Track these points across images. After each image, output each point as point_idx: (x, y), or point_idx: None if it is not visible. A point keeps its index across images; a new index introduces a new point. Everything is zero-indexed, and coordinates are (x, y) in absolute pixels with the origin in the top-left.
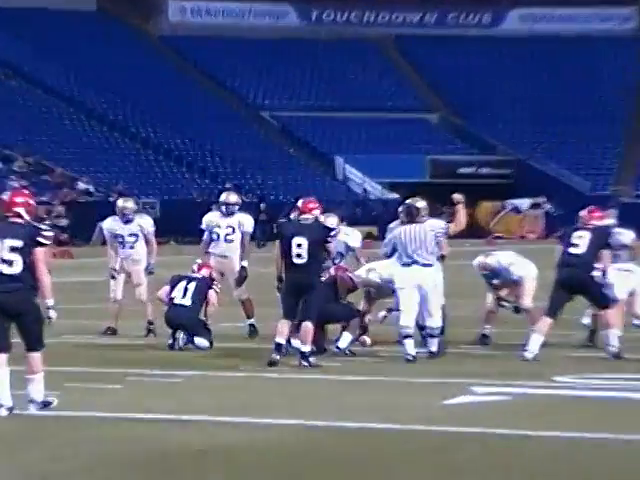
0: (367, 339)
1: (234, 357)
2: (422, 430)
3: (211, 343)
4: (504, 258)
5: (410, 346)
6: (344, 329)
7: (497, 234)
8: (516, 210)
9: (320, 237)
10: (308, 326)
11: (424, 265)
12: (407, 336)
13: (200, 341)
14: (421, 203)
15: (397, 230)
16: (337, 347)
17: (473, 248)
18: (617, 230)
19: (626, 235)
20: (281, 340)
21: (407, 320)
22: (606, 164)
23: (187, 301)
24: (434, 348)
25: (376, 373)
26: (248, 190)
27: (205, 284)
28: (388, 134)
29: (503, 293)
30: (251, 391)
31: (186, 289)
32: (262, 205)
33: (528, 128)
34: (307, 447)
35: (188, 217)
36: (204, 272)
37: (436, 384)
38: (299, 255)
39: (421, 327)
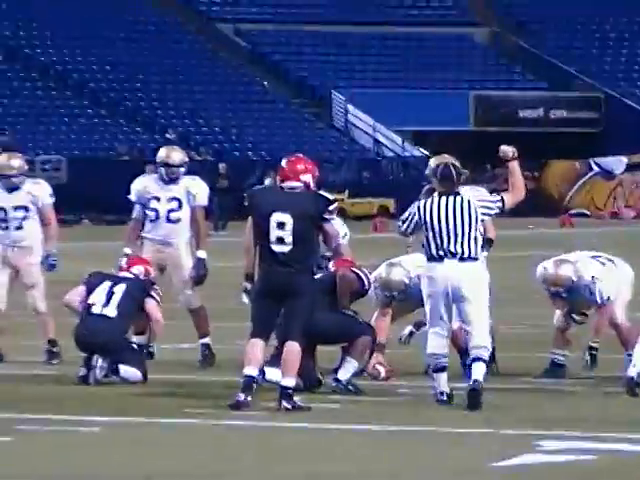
0: (381, 369)
1: (178, 396)
2: None
3: (145, 375)
4: (587, 268)
5: (443, 381)
6: (346, 353)
7: (576, 210)
8: (606, 174)
9: (313, 213)
10: (292, 349)
11: (464, 259)
12: (439, 368)
13: (128, 371)
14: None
15: (422, 203)
16: (336, 379)
17: (538, 232)
18: None
19: None
20: (251, 371)
21: (438, 343)
22: None
23: (111, 311)
24: (480, 378)
25: (393, 420)
26: (200, 144)
27: (139, 288)
28: (411, 59)
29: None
30: (203, 449)
31: (110, 294)
32: (222, 166)
33: (624, 51)
34: None
35: (110, 184)
36: (137, 270)
37: (483, 436)
38: (280, 240)
39: (463, 351)
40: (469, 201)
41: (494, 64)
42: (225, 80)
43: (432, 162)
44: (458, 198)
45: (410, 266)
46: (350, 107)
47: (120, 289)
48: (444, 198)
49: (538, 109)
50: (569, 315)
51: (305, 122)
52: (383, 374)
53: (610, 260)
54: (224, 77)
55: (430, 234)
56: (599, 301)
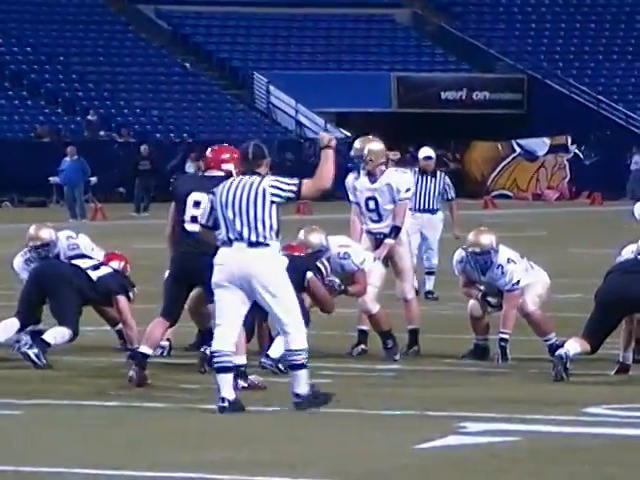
0: None
1: (100, 378)
2: None
3: (75, 332)
4: (505, 250)
5: (227, 384)
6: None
7: (499, 192)
8: (529, 155)
9: None
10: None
11: (253, 244)
12: (222, 368)
13: (55, 335)
14: (376, 145)
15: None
16: (267, 356)
17: (462, 212)
18: None
19: None
20: (146, 350)
21: (224, 339)
22: None
23: (93, 274)
24: (303, 391)
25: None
26: (122, 125)
27: (119, 281)
28: (333, 40)
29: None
30: (121, 433)
31: (98, 267)
32: (143, 148)
33: (546, 33)
34: None
35: (31, 166)
36: (118, 264)
37: (407, 418)
38: (194, 219)
39: (385, 334)
40: (259, 183)
41: (416, 45)
42: (147, 62)
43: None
44: (250, 179)
45: (332, 242)
46: (272, 88)
47: (106, 269)
48: (237, 180)
49: (461, 91)
50: (484, 299)
51: (227, 104)
52: None
53: (531, 266)
54: (146, 59)
55: (221, 218)
56: (508, 283)
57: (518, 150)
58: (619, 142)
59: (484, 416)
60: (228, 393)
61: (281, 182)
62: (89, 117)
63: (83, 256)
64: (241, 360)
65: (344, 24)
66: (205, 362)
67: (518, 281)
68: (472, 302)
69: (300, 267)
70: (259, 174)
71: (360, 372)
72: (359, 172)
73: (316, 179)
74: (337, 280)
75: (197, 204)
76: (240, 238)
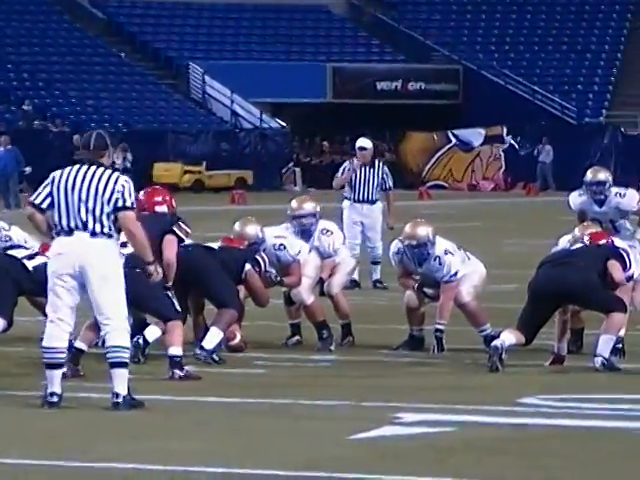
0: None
1: (35, 367)
2: (310, 479)
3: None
4: (442, 241)
5: (57, 379)
6: (213, 323)
7: (434, 182)
8: (464, 146)
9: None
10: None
11: (96, 234)
12: (55, 364)
13: None
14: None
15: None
16: (201, 347)
17: (397, 203)
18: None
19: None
20: (82, 345)
21: (57, 333)
22: (599, 79)
23: (29, 264)
24: (123, 391)
25: (250, 393)
26: (56, 115)
27: None
28: (268, 30)
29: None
30: (61, 425)
31: (32, 256)
32: (76, 138)
33: (482, 24)
34: None
35: None
36: None
37: (342, 408)
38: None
39: (320, 324)
40: (104, 171)
41: (352, 36)
42: (82, 51)
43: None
44: (96, 169)
45: (267, 233)
46: (207, 78)
47: (42, 259)
48: (78, 167)
49: (396, 81)
50: (420, 290)
51: (162, 94)
52: (238, 339)
53: (468, 257)
54: (81, 48)
55: (57, 206)
56: (445, 274)
57: (453, 141)
58: (554, 133)
59: (419, 407)
60: (58, 388)
61: (129, 194)
62: (24, 107)
63: (18, 247)
64: (177, 351)
65: (280, 14)
66: (139, 352)
67: (456, 272)
68: (408, 293)
69: (238, 259)
70: (102, 165)
71: (295, 362)
72: None
73: (134, 237)
74: (274, 272)
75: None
76: (83, 227)
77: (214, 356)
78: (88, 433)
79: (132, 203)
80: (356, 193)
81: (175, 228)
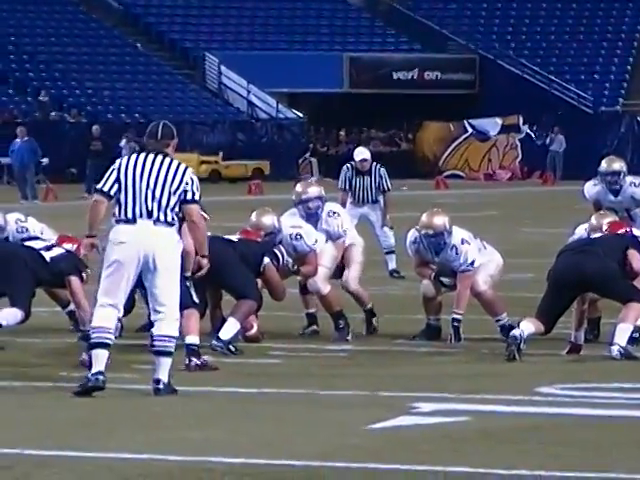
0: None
1: (53, 358)
2: (328, 469)
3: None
4: (459, 230)
5: (103, 359)
6: (230, 314)
7: (451, 172)
8: (480, 135)
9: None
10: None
11: (159, 221)
12: (102, 343)
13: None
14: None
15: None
16: (217, 338)
17: (413, 193)
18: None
19: None
20: None
21: (109, 315)
22: (616, 68)
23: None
24: (165, 377)
25: (268, 383)
26: (73, 106)
27: (72, 260)
28: (285, 21)
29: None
30: (78, 414)
31: (50, 247)
32: (95, 128)
33: (498, 13)
34: None
35: None
36: (70, 246)
37: (359, 398)
38: None
39: (337, 314)
40: (172, 162)
41: (368, 26)
42: (98, 42)
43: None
44: (163, 158)
45: (284, 223)
46: (223, 69)
47: (59, 250)
48: (145, 155)
49: (412, 71)
50: (437, 279)
51: (178, 84)
52: (255, 330)
53: (484, 246)
54: (97, 39)
55: (123, 193)
56: (462, 263)
57: (470, 130)
58: (571, 122)
59: (436, 396)
60: (104, 368)
61: (196, 187)
62: (40, 97)
63: (34, 238)
64: (194, 339)
65: (296, 4)
66: None
67: (472, 261)
68: (425, 282)
69: (257, 252)
70: (167, 154)
71: (312, 352)
72: None
73: (197, 229)
74: (290, 260)
75: None
76: (148, 215)
77: (230, 347)
78: (106, 423)
79: (199, 197)
80: (356, 198)
81: None
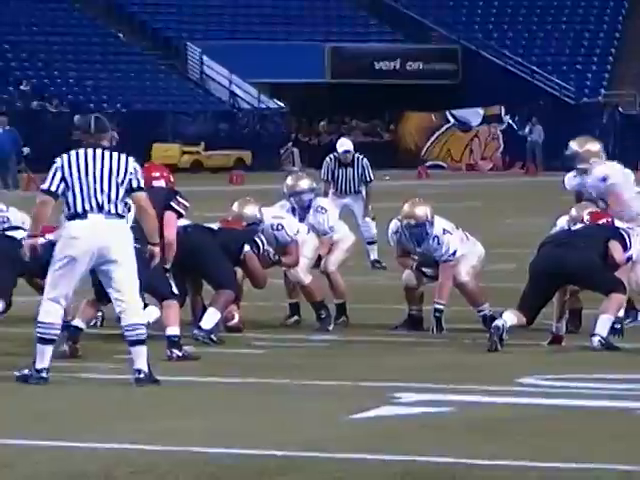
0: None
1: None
2: (310, 459)
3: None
4: (441, 221)
5: (48, 355)
6: (211, 304)
7: (433, 162)
8: (462, 125)
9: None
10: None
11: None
12: (50, 340)
13: None
14: None
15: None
16: (199, 327)
17: (395, 183)
18: None
19: None
20: (80, 323)
21: (55, 311)
22: (597, 59)
23: None
24: (145, 367)
25: (250, 373)
26: (55, 95)
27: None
28: (266, 10)
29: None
30: (61, 403)
31: None
32: (77, 118)
33: (480, 3)
34: None
35: None
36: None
37: (341, 388)
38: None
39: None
40: (112, 154)
41: (350, 16)
42: (80, 31)
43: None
44: (103, 151)
45: (266, 213)
46: (205, 59)
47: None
48: (85, 151)
49: (394, 61)
50: (419, 270)
51: (160, 74)
52: (236, 320)
53: (466, 237)
54: (79, 28)
55: (71, 190)
56: (444, 254)
57: (452, 120)
58: (553, 113)
59: (418, 386)
60: (48, 364)
61: (140, 175)
62: (22, 87)
63: (15, 228)
64: (174, 331)
65: None
66: None
67: (454, 252)
68: (407, 272)
69: (237, 241)
70: (105, 147)
71: (293, 342)
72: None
73: (148, 216)
74: (272, 250)
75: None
76: (98, 209)
77: (212, 336)
78: (88, 413)
79: (143, 184)
80: (339, 189)
81: (173, 203)
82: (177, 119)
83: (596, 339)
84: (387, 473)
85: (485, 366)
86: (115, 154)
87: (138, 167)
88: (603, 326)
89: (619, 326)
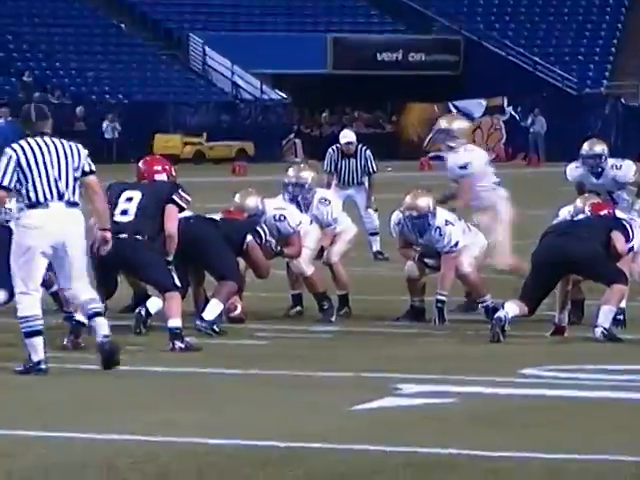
0: (238, 305)
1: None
2: (312, 450)
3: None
4: (442, 212)
5: (41, 347)
6: (213, 295)
7: (435, 153)
8: (464, 116)
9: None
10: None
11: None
12: (35, 331)
13: None
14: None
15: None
16: (201, 318)
17: (397, 175)
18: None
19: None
20: (83, 318)
21: (32, 304)
22: (600, 50)
23: None
24: (106, 331)
25: (252, 364)
26: (57, 86)
27: None
28: (269, 2)
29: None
30: (61, 394)
31: None
32: (79, 109)
33: None
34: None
35: None
36: None
37: (343, 380)
38: (124, 212)
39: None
40: (62, 141)
41: (352, 6)
42: (82, 22)
43: None
44: (51, 139)
45: (268, 205)
46: (207, 50)
47: None
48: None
49: (397, 52)
50: (421, 261)
51: (162, 65)
52: (239, 311)
53: (468, 228)
54: (81, 19)
55: (31, 181)
56: (446, 245)
57: (454, 112)
58: (555, 104)
59: (420, 377)
60: (43, 355)
61: (90, 158)
62: (24, 78)
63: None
64: (176, 323)
65: None
66: (141, 323)
67: (457, 243)
68: (409, 264)
69: (240, 231)
70: (48, 134)
71: (296, 334)
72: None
73: (100, 199)
74: (274, 241)
75: (129, 200)
76: (58, 197)
77: (215, 327)
78: (88, 404)
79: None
80: (342, 180)
81: (175, 197)
82: (179, 110)
83: (599, 330)
84: (389, 464)
85: (487, 357)
86: (65, 141)
87: (86, 150)
88: (605, 317)
89: (621, 317)
